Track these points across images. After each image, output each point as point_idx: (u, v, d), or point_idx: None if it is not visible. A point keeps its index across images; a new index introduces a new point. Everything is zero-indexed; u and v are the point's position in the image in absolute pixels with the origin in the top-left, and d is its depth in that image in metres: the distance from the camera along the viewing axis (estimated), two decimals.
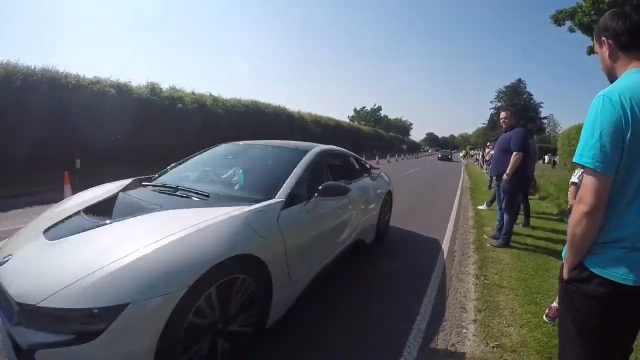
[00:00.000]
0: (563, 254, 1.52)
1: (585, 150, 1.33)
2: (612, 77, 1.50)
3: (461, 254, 5.06)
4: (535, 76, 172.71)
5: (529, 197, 7.28)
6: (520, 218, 6.83)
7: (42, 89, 9.94)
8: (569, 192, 4.09)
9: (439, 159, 42.50)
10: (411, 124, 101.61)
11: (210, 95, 17.62)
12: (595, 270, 1.36)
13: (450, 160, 41.39)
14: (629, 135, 1.26)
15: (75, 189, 6.10)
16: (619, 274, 1.31)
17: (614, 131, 1.27)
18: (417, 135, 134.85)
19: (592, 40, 1.64)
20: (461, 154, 53.51)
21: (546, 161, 31.38)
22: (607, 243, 1.36)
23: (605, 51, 1.50)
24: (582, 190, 1.36)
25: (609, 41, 1.47)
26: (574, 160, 1.39)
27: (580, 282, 1.41)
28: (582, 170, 3.58)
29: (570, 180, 3.93)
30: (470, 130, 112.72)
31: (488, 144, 20.32)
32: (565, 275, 1.48)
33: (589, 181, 1.33)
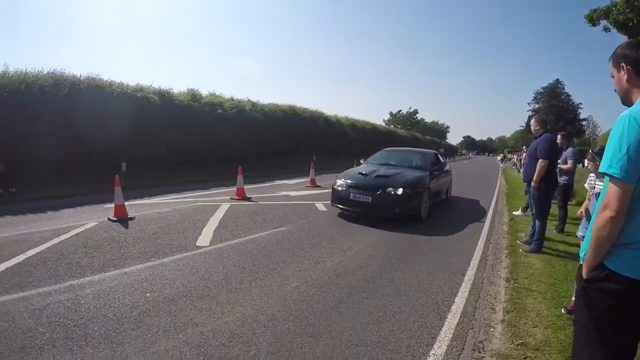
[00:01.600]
0: (581, 255, 1.68)
1: (613, 162, 1.49)
2: (626, 99, 1.68)
3: (494, 258, 5.16)
4: (573, 76, 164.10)
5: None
6: (554, 223, 6.80)
7: (89, 96, 10.48)
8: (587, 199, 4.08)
9: None
10: (448, 127, 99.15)
11: (249, 100, 18.12)
12: (615, 269, 1.52)
13: None
14: None
15: (124, 191, 6.56)
16: (637, 272, 1.47)
17: (638, 146, 1.45)
18: (454, 138, 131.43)
19: (609, 63, 1.80)
20: (499, 157, 51.44)
21: (586, 165, 30.09)
22: (626, 245, 1.52)
23: (623, 76, 1.66)
24: (608, 197, 1.51)
25: (628, 67, 1.64)
26: (600, 170, 1.57)
27: (600, 280, 1.56)
28: (592, 178, 3.82)
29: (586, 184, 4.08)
30: (508, 133, 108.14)
31: (524, 147, 19.85)
32: (584, 275, 1.62)
33: (615, 189, 1.49)
